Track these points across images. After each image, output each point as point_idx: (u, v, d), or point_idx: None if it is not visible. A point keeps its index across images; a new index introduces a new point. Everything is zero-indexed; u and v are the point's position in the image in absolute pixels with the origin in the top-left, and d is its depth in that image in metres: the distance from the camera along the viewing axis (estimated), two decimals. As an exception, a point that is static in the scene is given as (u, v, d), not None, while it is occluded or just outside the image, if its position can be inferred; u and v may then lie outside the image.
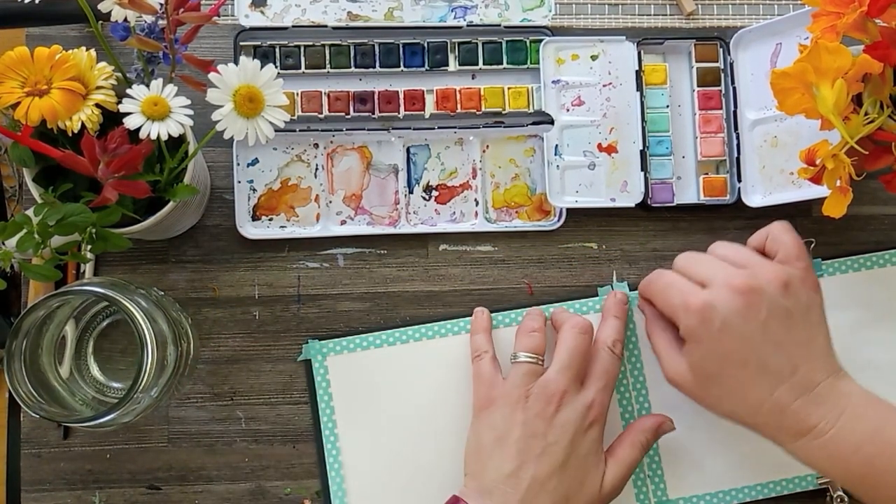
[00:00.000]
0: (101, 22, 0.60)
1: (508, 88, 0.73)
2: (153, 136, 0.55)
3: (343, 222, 0.72)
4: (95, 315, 0.69)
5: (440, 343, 0.70)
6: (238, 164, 0.72)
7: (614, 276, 0.72)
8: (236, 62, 0.56)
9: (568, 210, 0.73)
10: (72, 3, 0.59)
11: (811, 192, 0.66)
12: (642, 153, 0.72)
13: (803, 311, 0.62)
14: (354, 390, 0.70)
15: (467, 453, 0.64)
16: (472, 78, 0.74)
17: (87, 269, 0.71)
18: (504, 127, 0.73)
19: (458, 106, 0.73)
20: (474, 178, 0.73)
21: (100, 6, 0.57)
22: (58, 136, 0.58)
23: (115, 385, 0.69)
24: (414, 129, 0.73)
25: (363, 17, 0.73)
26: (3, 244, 0.57)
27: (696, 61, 0.74)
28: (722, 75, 0.74)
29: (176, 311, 0.65)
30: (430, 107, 0.73)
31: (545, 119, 0.73)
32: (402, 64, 0.73)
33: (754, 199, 0.72)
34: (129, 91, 0.56)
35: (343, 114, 0.73)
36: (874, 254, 0.72)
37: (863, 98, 0.58)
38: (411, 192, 0.73)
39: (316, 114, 0.72)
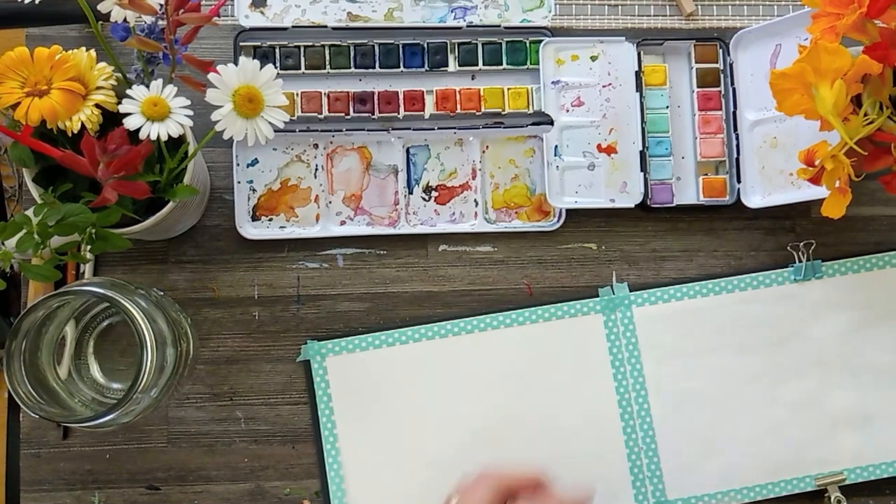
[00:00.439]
0: (101, 22, 0.60)
1: (508, 89, 0.73)
2: (153, 137, 0.55)
3: (343, 223, 0.73)
4: (95, 315, 0.69)
5: (440, 344, 0.71)
6: (238, 165, 0.72)
7: (614, 277, 0.73)
8: (236, 62, 0.56)
9: (567, 211, 0.73)
10: (72, 3, 0.59)
11: (810, 192, 0.66)
12: (642, 154, 0.72)
13: None
14: (354, 391, 0.70)
15: None
16: (472, 78, 0.74)
17: (87, 269, 0.71)
18: (504, 127, 0.73)
19: (458, 106, 0.73)
20: (474, 178, 0.73)
21: (100, 6, 0.57)
22: (58, 136, 0.58)
23: (115, 385, 0.69)
24: (414, 130, 0.73)
25: (363, 18, 0.73)
26: (3, 244, 0.58)
27: (696, 62, 0.74)
28: (721, 76, 0.74)
29: (176, 311, 0.65)
30: (429, 107, 0.73)
31: (545, 120, 0.73)
32: (401, 64, 0.73)
33: (754, 200, 0.72)
34: (128, 91, 0.56)
35: (343, 114, 0.73)
36: (874, 255, 0.72)
37: (862, 99, 0.58)
38: (411, 192, 0.73)
39: (316, 114, 0.72)
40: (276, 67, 0.68)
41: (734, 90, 0.73)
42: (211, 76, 0.55)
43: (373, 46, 0.73)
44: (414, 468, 0.69)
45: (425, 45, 0.73)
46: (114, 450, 0.70)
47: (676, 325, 0.71)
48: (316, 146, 0.73)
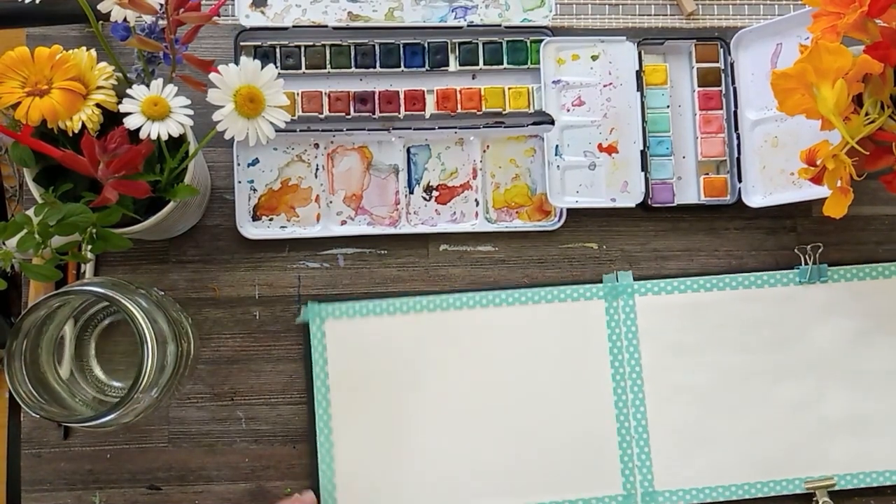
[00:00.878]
0: (101, 22, 0.60)
1: (509, 88, 0.73)
2: (153, 137, 0.55)
3: (343, 222, 0.72)
4: (95, 315, 0.69)
5: (440, 316, 0.71)
6: (238, 165, 0.72)
7: (617, 272, 0.72)
8: (237, 62, 0.56)
9: (568, 210, 0.73)
10: (72, 3, 0.59)
11: (811, 192, 0.66)
12: (643, 153, 0.72)
13: None
14: (350, 356, 0.70)
15: None
16: (473, 78, 0.74)
17: (88, 269, 0.71)
18: (504, 127, 0.73)
19: (459, 106, 0.73)
20: (475, 178, 0.73)
21: (100, 6, 0.57)
22: (58, 136, 0.58)
23: (116, 385, 0.69)
24: (414, 130, 0.73)
25: (363, 18, 0.73)
26: (4, 244, 0.57)
27: (697, 61, 0.74)
28: (722, 75, 0.74)
29: (176, 311, 0.65)
30: (430, 107, 0.73)
31: (545, 119, 0.73)
32: (402, 64, 0.73)
33: (755, 200, 0.72)
34: (129, 91, 0.56)
35: (343, 114, 0.73)
36: (881, 264, 0.72)
37: (863, 98, 0.58)
38: (412, 192, 0.73)
39: (316, 114, 0.72)
40: (276, 67, 0.68)
41: (735, 90, 0.73)
42: (212, 76, 0.55)
43: (373, 46, 0.73)
44: (404, 437, 0.69)
45: (426, 45, 0.73)
46: (114, 450, 0.70)
47: (678, 318, 0.71)
48: (317, 146, 0.73)
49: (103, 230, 0.58)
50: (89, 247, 0.58)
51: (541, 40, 0.73)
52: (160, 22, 0.59)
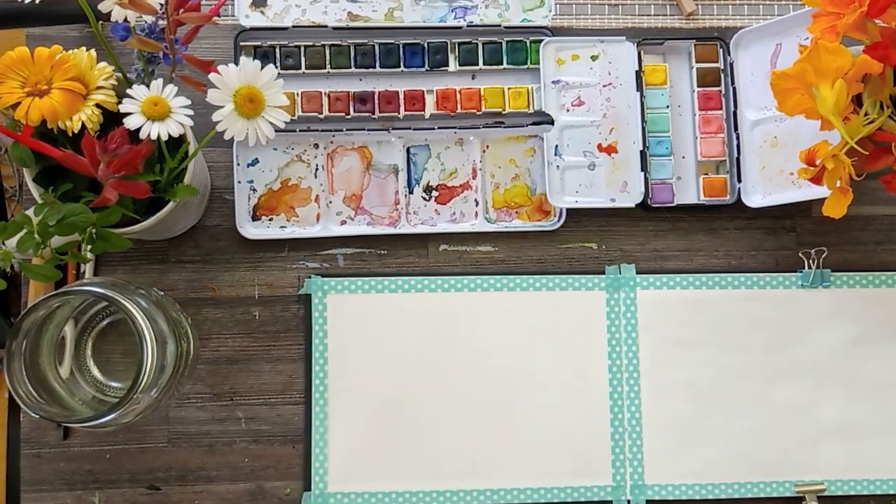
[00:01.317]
0: (101, 22, 0.60)
1: (508, 89, 0.73)
2: (153, 137, 0.55)
3: (343, 222, 0.72)
4: (95, 315, 0.69)
5: (441, 297, 0.71)
6: (238, 165, 0.72)
7: (620, 264, 0.72)
8: (236, 62, 0.56)
9: (568, 210, 0.73)
10: (72, 3, 0.59)
11: (811, 192, 0.66)
12: (642, 153, 0.72)
13: None
14: (350, 330, 0.70)
15: None
16: (473, 78, 0.74)
17: (87, 269, 0.70)
18: (504, 127, 0.73)
19: (459, 106, 0.73)
20: (474, 178, 0.73)
21: (100, 6, 0.57)
22: (58, 136, 0.58)
23: (115, 385, 0.69)
24: (414, 130, 0.73)
25: (363, 18, 0.73)
26: (4, 244, 0.57)
27: (696, 62, 0.74)
28: (722, 76, 0.74)
29: (176, 311, 0.65)
30: (430, 107, 0.73)
31: (545, 119, 0.73)
32: (402, 64, 0.73)
33: (754, 200, 0.72)
34: (129, 91, 0.56)
35: (343, 114, 0.73)
36: (884, 273, 0.72)
37: (863, 98, 0.58)
38: (411, 192, 0.73)
39: (316, 114, 0.72)
40: (276, 67, 0.68)
41: (734, 90, 0.73)
42: (212, 76, 0.55)
43: (373, 46, 0.73)
44: (397, 414, 0.70)
45: (426, 45, 0.73)
46: (114, 450, 0.70)
47: (678, 313, 0.71)
48: (316, 146, 0.73)
49: (103, 230, 0.58)
50: (89, 247, 0.58)
51: (540, 40, 0.73)
52: (160, 22, 0.59)
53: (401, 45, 0.73)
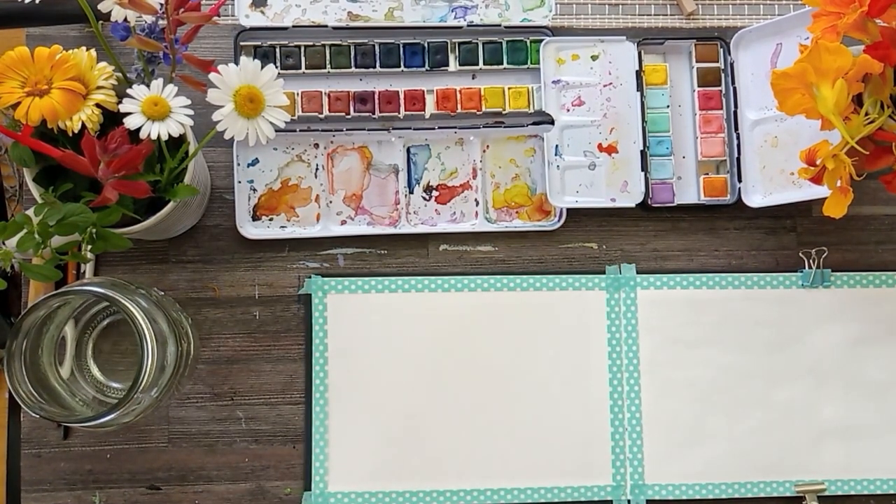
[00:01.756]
0: (101, 22, 0.60)
1: (509, 88, 0.73)
2: (153, 136, 0.55)
3: (343, 222, 0.72)
4: (95, 315, 0.69)
5: (441, 297, 0.71)
6: (238, 164, 0.72)
7: (620, 264, 0.72)
8: (237, 62, 0.56)
9: (568, 210, 0.73)
10: (72, 3, 0.59)
11: (811, 192, 0.66)
12: (643, 153, 0.72)
13: None
14: (350, 330, 0.70)
15: None
16: (473, 78, 0.74)
17: (88, 269, 0.70)
18: (504, 127, 0.73)
19: (459, 106, 0.73)
20: (474, 178, 0.73)
21: (100, 6, 0.57)
22: (58, 136, 0.58)
23: (116, 385, 0.69)
24: (414, 129, 0.73)
25: (363, 17, 0.73)
26: (4, 244, 0.57)
27: (697, 61, 0.74)
28: (722, 75, 0.74)
29: (176, 311, 0.65)
30: (430, 107, 0.73)
31: (545, 119, 0.73)
32: (402, 64, 0.73)
33: (755, 199, 0.72)
34: (129, 91, 0.56)
35: (343, 114, 0.73)
36: (885, 273, 0.72)
37: (863, 98, 0.58)
38: (411, 192, 0.73)
39: (316, 114, 0.72)
40: (276, 67, 0.68)
41: (735, 89, 0.73)
42: (212, 76, 0.55)
43: (373, 46, 0.73)
44: (398, 412, 0.70)
45: (426, 45, 0.73)
46: (114, 450, 0.70)
47: (678, 313, 0.71)
48: (316, 146, 0.73)
49: (103, 230, 0.58)
50: (89, 247, 0.58)
51: (541, 40, 0.73)
52: (160, 22, 0.59)
53: (401, 45, 0.73)
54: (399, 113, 0.73)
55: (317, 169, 0.73)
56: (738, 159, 0.72)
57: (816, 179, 0.60)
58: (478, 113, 0.73)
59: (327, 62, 0.73)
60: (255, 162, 0.72)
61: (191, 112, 0.57)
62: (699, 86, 0.74)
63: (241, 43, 0.72)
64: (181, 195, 0.60)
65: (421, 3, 0.73)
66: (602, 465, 0.70)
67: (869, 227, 0.74)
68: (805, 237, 0.73)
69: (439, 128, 0.73)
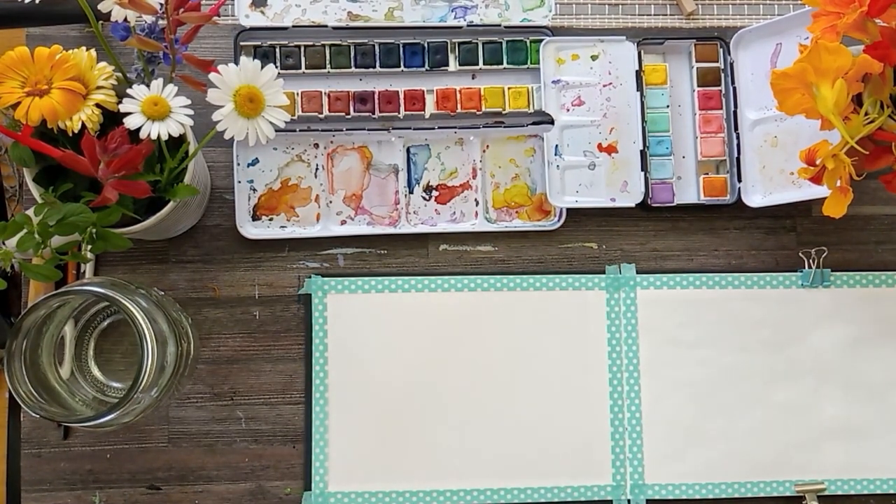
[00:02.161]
0: (101, 22, 0.60)
1: (508, 88, 0.73)
2: (153, 136, 0.55)
3: (343, 222, 0.72)
4: (95, 315, 0.69)
5: (441, 297, 0.71)
6: (238, 164, 0.72)
7: (620, 264, 0.72)
8: (236, 62, 0.56)
9: (568, 210, 0.73)
10: (72, 3, 0.59)
11: (811, 192, 0.66)
12: (642, 153, 0.72)
13: None
14: (350, 330, 0.70)
15: None
16: (473, 78, 0.74)
17: (88, 269, 0.70)
18: (504, 127, 0.73)
19: (459, 106, 0.73)
20: (474, 178, 0.73)
21: (100, 6, 0.57)
22: (58, 135, 0.58)
23: (116, 385, 0.69)
24: (414, 129, 0.73)
25: (363, 17, 0.73)
26: (4, 244, 0.57)
27: (697, 61, 0.74)
28: (722, 75, 0.74)
29: (176, 311, 0.65)
30: (430, 107, 0.73)
31: (545, 119, 0.73)
32: (402, 64, 0.73)
33: (754, 199, 0.72)
34: (129, 91, 0.56)
35: (343, 114, 0.73)
36: (884, 273, 0.72)
37: (863, 98, 0.58)
38: (411, 192, 0.73)
39: (316, 114, 0.72)
40: (276, 67, 0.68)
41: (735, 89, 0.73)
42: (212, 76, 0.55)
43: (373, 46, 0.73)
44: (397, 413, 0.70)
45: (426, 45, 0.73)
46: (114, 449, 0.70)
47: (678, 313, 0.71)
48: (316, 146, 0.73)
49: (103, 230, 0.58)
50: (89, 247, 0.58)
51: (541, 40, 0.73)
52: (160, 22, 0.59)
53: (401, 45, 0.73)
54: (399, 113, 0.73)
55: (317, 169, 0.73)
56: (738, 159, 0.72)
57: (816, 179, 0.60)
58: (478, 113, 0.73)
59: (327, 62, 0.73)
60: (255, 162, 0.72)
61: (191, 112, 0.57)
62: (699, 86, 0.74)
63: (241, 43, 0.72)
64: (181, 195, 0.60)
65: (421, 3, 0.73)
66: (602, 464, 0.70)
67: (869, 226, 0.74)
68: (805, 237, 0.73)
69: (439, 128, 0.73)
